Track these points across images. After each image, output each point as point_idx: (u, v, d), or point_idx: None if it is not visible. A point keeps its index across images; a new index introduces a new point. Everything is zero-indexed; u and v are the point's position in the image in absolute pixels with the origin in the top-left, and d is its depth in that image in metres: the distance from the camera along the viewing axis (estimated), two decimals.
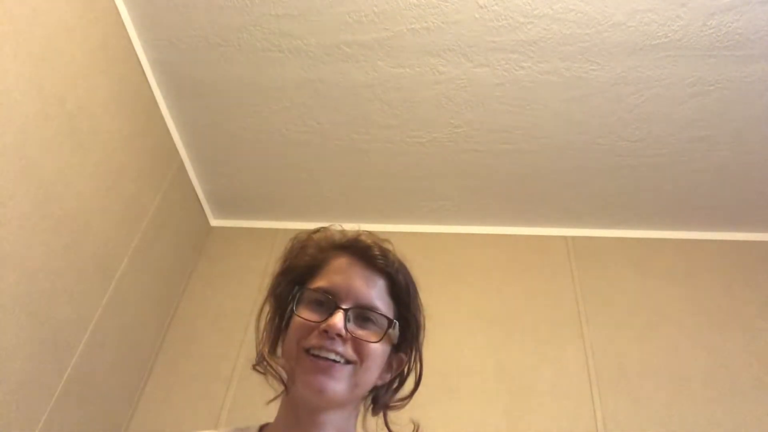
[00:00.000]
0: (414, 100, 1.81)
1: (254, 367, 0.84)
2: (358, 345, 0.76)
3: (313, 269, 0.84)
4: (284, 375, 0.82)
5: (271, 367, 0.82)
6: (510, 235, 2.15)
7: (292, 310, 0.80)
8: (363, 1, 1.60)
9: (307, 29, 1.66)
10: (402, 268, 0.85)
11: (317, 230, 0.88)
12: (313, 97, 1.82)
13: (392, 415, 0.85)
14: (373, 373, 0.77)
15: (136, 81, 1.73)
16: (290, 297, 0.81)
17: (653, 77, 1.70)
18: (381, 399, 0.85)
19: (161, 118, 1.87)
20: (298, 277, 0.84)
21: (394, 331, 0.79)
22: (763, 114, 1.77)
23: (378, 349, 0.78)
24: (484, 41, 1.65)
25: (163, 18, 1.67)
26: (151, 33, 1.70)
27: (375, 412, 0.86)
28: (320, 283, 0.81)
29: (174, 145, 1.96)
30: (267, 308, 0.86)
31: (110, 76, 1.60)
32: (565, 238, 2.13)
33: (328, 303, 0.78)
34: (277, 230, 2.22)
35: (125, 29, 1.65)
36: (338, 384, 0.73)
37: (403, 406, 0.85)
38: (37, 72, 1.32)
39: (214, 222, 2.28)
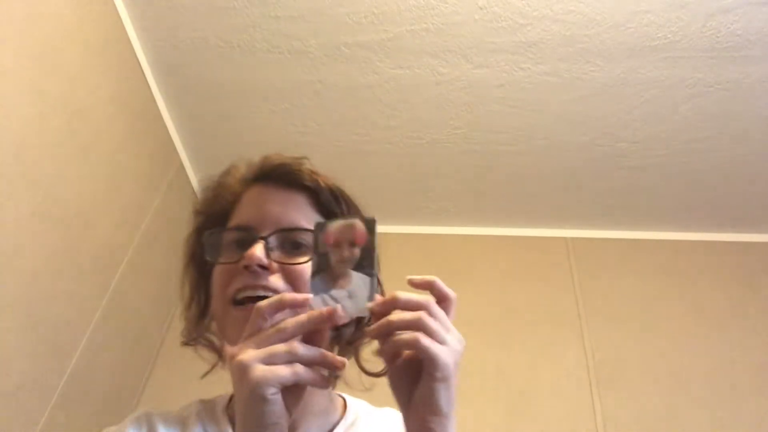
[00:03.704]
0: (414, 102, 1.81)
1: (184, 344, 0.76)
2: (289, 273, 0.67)
3: (228, 214, 0.75)
4: (216, 341, 0.75)
5: (201, 336, 0.74)
6: (510, 236, 2.16)
7: (210, 263, 0.70)
8: (363, 3, 1.60)
9: (307, 30, 1.67)
10: (324, 178, 0.75)
11: (225, 171, 0.80)
12: (312, 98, 1.82)
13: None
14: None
15: (136, 82, 1.73)
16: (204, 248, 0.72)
17: (653, 78, 1.70)
18: (343, 336, 0.73)
19: (161, 119, 1.87)
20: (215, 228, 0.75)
21: None
22: (762, 115, 1.77)
23: None
24: (484, 42, 1.65)
25: (163, 19, 1.67)
26: (151, 34, 1.70)
27: (346, 351, 0.75)
28: (233, 222, 0.72)
29: (174, 145, 1.96)
30: (189, 277, 0.78)
31: (110, 78, 1.60)
32: (564, 239, 2.13)
33: (245, 239, 0.68)
34: None
35: (125, 31, 1.66)
36: None
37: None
38: (36, 73, 1.32)
39: None
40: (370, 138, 1.93)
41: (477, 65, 1.71)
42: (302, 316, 0.55)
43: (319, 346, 0.56)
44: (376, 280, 0.59)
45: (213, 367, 0.78)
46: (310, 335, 0.56)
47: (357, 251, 0.59)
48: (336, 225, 0.59)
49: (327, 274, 0.59)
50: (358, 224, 0.59)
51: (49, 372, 1.40)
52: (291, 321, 0.54)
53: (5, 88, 1.23)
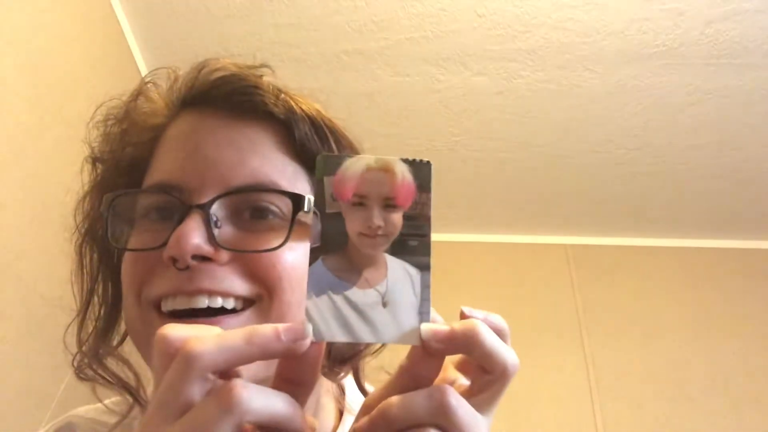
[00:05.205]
0: (413, 109, 1.81)
1: (79, 376, 0.52)
2: (249, 264, 0.41)
3: (144, 163, 0.47)
4: (128, 374, 0.49)
5: (101, 365, 0.49)
6: (509, 244, 2.15)
7: (109, 243, 0.44)
8: (362, 11, 1.60)
9: (306, 39, 1.67)
10: (303, 101, 0.50)
11: (136, 89, 0.51)
12: None
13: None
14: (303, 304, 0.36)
15: None
16: (104, 220, 0.44)
17: (651, 85, 1.71)
18: (337, 349, 0.48)
19: None
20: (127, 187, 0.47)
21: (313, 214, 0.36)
22: (761, 121, 1.77)
23: (294, 257, 0.42)
24: (483, 50, 1.66)
25: (163, 28, 1.68)
26: (152, 43, 1.71)
27: (336, 373, 0.50)
28: (151, 177, 0.45)
29: None
30: (87, 268, 0.53)
31: (111, 86, 1.60)
32: (564, 246, 2.13)
33: (172, 207, 0.43)
34: None
35: (125, 39, 1.66)
36: None
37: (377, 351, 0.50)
38: (37, 82, 1.33)
39: None
40: (369, 146, 1.92)
41: (476, 73, 1.71)
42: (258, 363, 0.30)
43: (307, 386, 0.32)
44: (429, 278, 0.33)
45: (122, 419, 0.50)
46: (289, 365, 0.32)
47: (398, 218, 0.33)
48: (359, 164, 0.33)
49: (342, 257, 0.32)
50: (401, 168, 0.33)
51: (48, 379, 1.40)
52: (250, 392, 0.29)
53: (5, 96, 1.23)
